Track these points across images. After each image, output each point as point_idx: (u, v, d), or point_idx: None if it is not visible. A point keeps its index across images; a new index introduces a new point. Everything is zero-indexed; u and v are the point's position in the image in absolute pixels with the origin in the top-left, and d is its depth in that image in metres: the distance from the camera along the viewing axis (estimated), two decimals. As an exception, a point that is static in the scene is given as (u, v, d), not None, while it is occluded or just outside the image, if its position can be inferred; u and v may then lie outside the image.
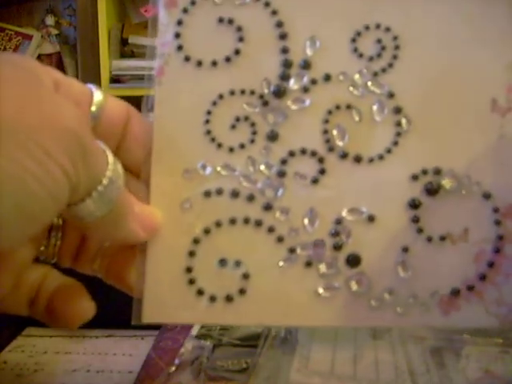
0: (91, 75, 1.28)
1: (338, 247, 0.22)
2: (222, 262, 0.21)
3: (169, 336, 0.42)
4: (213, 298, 0.21)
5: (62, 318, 0.20)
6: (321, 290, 0.21)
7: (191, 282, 0.21)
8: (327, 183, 0.22)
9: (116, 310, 0.44)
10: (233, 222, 0.22)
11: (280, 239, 0.22)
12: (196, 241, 0.22)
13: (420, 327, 0.22)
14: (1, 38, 1.41)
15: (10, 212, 0.14)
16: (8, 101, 0.14)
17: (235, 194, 0.22)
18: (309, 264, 0.21)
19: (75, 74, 1.37)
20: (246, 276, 0.21)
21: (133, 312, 0.21)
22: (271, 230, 0.22)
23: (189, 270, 0.21)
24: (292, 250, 0.21)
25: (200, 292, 0.21)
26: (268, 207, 0.22)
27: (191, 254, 0.21)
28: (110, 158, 0.18)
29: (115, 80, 1.18)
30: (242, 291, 0.21)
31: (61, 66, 1.41)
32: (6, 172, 0.13)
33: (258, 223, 0.22)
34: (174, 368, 0.35)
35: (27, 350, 0.41)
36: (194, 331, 0.38)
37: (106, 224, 0.19)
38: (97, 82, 1.26)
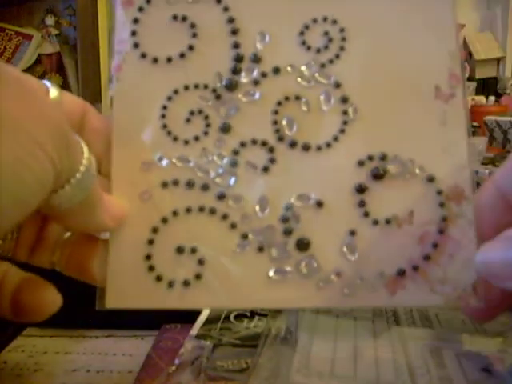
0: (91, 75, 1.28)
1: (287, 232, 0.22)
2: (179, 249, 0.22)
3: (169, 336, 0.42)
4: (171, 284, 0.22)
5: (29, 311, 0.20)
6: (271, 274, 0.22)
7: (151, 268, 0.22)
8: (277, 171, 0.23)
9: (116, 310, 0.43)
10: (188, 210, 0.23)
11: (233, 226, 0.23)
12: (155, 230, 0.22)
13: (367, 307, 0.23)
14: (1, 38, 1.41)
15: (4, 200, 0.15)
16: (4, 99, 0.15)
17: (190, 185, 0.23)
18: (260, 249, 0.22)
19: (75, 74, 1.37)
20: (201, 262, 0.22)
21: (97, 298, 0.22)
22: (225, 217, 0.23)
23: (148, 257, 0.22)
24: (244, 236, 0.22)
25: (159, 278, 0.22)
26: (221, 196, 0.23)
27: (150, 242, 0.22)
28: (85, 148, 0.19)
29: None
30: (198, 276, 0.22)
31: (61, 66, 1.42)
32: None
33: (212, 211, 0.23)
34: (173, 368, 0.35)
35: (27, 350, 0.41)
36: (194, 331, 0.38)
37: (80, 212, 0.20)
38: (97, 82, 1.26)
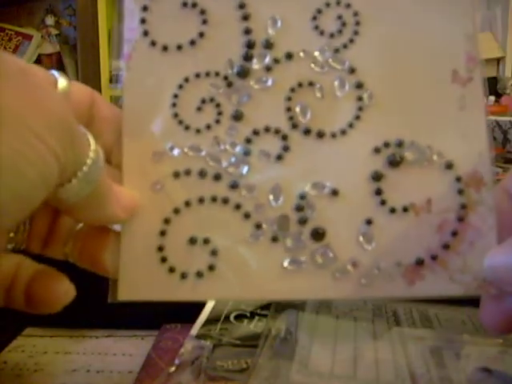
0: (91, 75, 1.28)
1: (302, 222, 0.22)
2: (192, 240, 0.22)
3: (169, 336, 0.42)
4: (184, 275, 0.22)
5: (42, 302, 0.20)
6: (286, 264, 0.22)
7: (163, 260, 0.22)
8: (291, 160, 0.23)
9: (116, 310, 0.43)
10: (201, 201, 0.22)
11: (246, 216, 0.22)
12: (167, 221, 0.22)
13: (385, 298, 0.22)
14: (1, 37, 1.41)
15: (3, 195, 0.14)
16: (3, 91, 0.15)
17: (203, 174, 0.22)
18: (275, 239, 0.22)
19: (75, 74, 1.37)
20: (214, 252, 0.22)
21: (109, 291, 0.22)
22: (238, 207, 0.22)
23: (160, 248, 0.22)
24: (258, 226, 0.22)
25: (171, 269, 0.22)
26: (234, 185, 0.22)
27: (162, 233, 0.22)
28: (92, 140, 0.19)
29: (115, 80, 1.18)
30: (211, 267, 0.22)
31: (61, 66, 1.42)
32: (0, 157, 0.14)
33: (225, 201, 0.22)
34: (173, 368, 0.35)
35: (27, 350, 0.41)
36: (194, 331, 0.38)
37: (89, 205, 0.19)
38: (97, 81, 1.26)
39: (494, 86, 1.95)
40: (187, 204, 0.22)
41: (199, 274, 0.22)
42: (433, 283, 0.21)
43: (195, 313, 0.40)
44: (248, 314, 0.40)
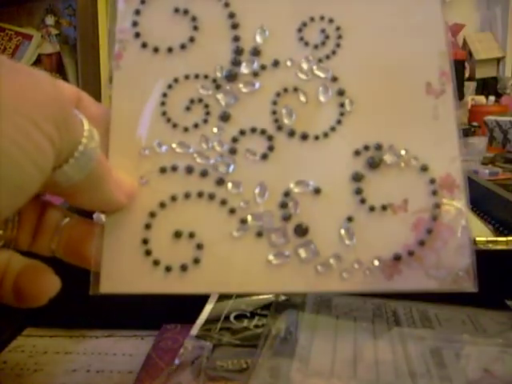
0: (91, 75, 1.28)
1: (286, 218, 0.23)
2: (177, 234, 0.22)
3: (169, 336, 0.42)
4: (168, 268, 0.22)
5: (29, 295, 0.20)
6: (271, 258, 0.22)
7: (147, 253, 0.22)
8: (276, 159, 0.24)
9: (116, 310, 0.44)
10: (187, 196, 0.23)
11: (232, 211, 0.23)
12: (152, 214, 0.23)
13: (365, 292, 0.23)
14: (1, 37, 1.41)
15: (2, 186, 0.14)
16: None
17: (189, 170, 0.23)
18: (259, 234, 0.23)
19: (75, 74, 1.37)
20: (199, 246, 0.22)
21: (91, 283, 0.22)
22: (224, 202, 0.23)
23: (145, 241, 0.22)
24: (243, 221, 0.23)
25: (156, 262, 0.22)
26: (220, 181, 0.23)
27: (147, 226, 0.22)
28: (86, 123, 0.19)
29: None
30: (196, 260, 0.22)
31: (61, 66, 1.42)
32: None
33: (211, 196, 0.23)
34: (174, 368, 0.35)
35: (27, 350, 0.41)
36: (194, 331, 0.38)
37: (89, 188, 0.20)
38: (97, 81, 1.26)
39: (494, 86, 1.95)
40: (173, 198, 0.23)
41: (184, 268, 0.22)
42: (409, 278, 0.22)
43: (195, 313, 0.40)
44: (248, 314, 0.40)
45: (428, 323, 0.39)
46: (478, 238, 0.45)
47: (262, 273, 0.22)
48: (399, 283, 0.22)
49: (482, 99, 1.78)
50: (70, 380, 0.37)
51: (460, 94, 1.66)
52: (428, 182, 0.23)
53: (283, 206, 0.23)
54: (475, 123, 1.35)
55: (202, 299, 0.41)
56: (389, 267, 0.22)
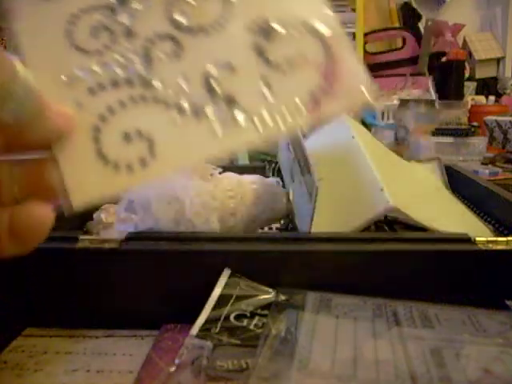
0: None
1: (214, 94, 0.26)
2: (126, 136, 0.25)
3: (169, 336, 0.42)
4: (129, 167, 0.24)
5: (27, 228, 0.22)
6: (215, 128, 0.25)
7: (104, 159, 0.24)
8: (187, 54, 0.27)
9: (116, 310, 0.44)
10: (122, 104, 0.25)
11: (166, 103, 0.25)
12: (97, 128, 0.25)
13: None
14: (1, 37, 1.41)
15: None
16: None
17: (115, 83, 0.25)
18: (197, 113, 0.25)
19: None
20: (150, 140, 0.25)
21: (63, 207, 0.23)
22: (156, 99, 0.25)
23: (98, 151, 0.24)
24: (180, 108, 0.25)
25: (115, 166, 0.24)
26: (147, 84, 0.26)
27: (96, 139, 0.24)
28: (18, 64, 0.20)
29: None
30: (151, 153, 0.25)
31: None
32: None
33: (144, 98, 0.25)
34: (173, 368, 0.35)
35: (27, 350, 0.41)
36: (194, 331, 0.38)
37: (34, 122, 0.21)
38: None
39: (494, 86, 1.95)
40: (110, 110, 0.25)
41: (142, 162, 0.24)
42: (327, 106, 0.26)
43: (195, 313, 0.40)
44: (248, 314, 0.40)
45: (428, 323, 0.39)
46: (478, 238, 0.45)
47: (210, 142, 0.25)
48: (326, 110, 0.26)
49: (481, 99, 1.78)
50: (69, 380, 0.37)
51: (460, 94, 1.66)
52: (318, 40, 0.27)
53: (208, 84, 0.26)
54: (475, 123, 1.35)
55: (202, 299, 0.41)
56: (310, 103, 0.26)
